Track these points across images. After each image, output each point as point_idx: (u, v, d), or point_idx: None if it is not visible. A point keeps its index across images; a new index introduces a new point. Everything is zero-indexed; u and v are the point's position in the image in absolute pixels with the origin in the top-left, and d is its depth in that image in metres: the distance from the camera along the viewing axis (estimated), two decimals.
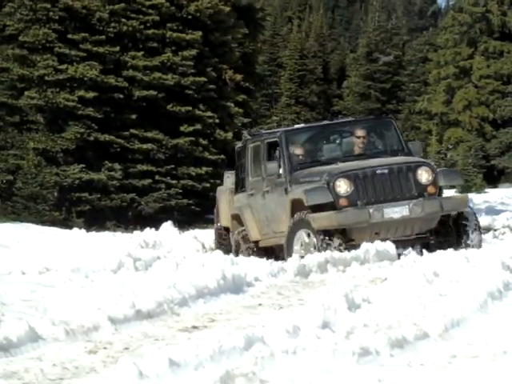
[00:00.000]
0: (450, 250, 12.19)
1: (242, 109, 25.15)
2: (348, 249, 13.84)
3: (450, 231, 14.01)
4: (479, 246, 13.58)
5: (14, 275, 10.58)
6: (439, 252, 12.28)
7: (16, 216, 19.30)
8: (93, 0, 24.47)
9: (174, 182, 23.02)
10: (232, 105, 23.87)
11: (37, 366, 5.79)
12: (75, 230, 18.33)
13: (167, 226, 17.46)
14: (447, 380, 5.30)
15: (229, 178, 18.02)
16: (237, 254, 15.07)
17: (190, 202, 23.07)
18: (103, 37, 24.09)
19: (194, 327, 7.20)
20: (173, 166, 23.36)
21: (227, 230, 17.03)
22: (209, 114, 23.09)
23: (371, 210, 12.77)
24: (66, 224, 19.25)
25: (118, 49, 23.99)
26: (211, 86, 23.12)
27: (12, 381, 5.41)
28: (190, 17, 21.77)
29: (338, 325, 6.65)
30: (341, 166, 14.03)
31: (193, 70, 22.42)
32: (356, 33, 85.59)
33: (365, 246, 12.93)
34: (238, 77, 24.22)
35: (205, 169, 23.06)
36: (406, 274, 9.22)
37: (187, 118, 23.12)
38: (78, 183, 22.30)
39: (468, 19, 54.14)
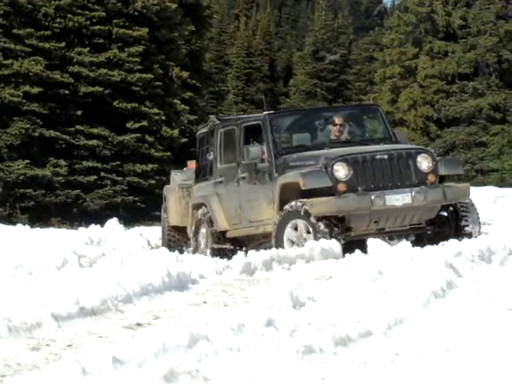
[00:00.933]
0: (399, 248, 11.46)
1: (188, 106, 25.15)
2: (346, 239, 13.33)
3: (447, 222, 13.49)
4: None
5: None
6: (383, 250, 11.46)
7: None
8: None
9: (119, 178, 22.96)
10: (178, 102, 23.83)
11: None
12: (19, 226, 18.26)
13: (112, 223, 17.40)
14: (390, 377, 5.33)
15: (177, 176, 17.61)
16: (195, 246, 15.00)
17: (136, 198, 23.01)
18: (49, 32, 23.95)
19: (138, 324, 7.18)
20: (118, 162, 23.28)
21: (177, 229, 16.66)
22: (155, 110, 23.04)
23: (373, 197, 12.18)
24: (9, 220, 19.16)
25: (63, 44, 23.88)
26: (157, 83, 23.08)
27: None
28: (136, 13, 21.74)
29: (282, 323, 6.66)
30: (336, 150, 13.51)
31: (139, 67, 22.39)
32: (303, 31, 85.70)
33: (310, 243, 12.87)
34: (185, 74, 24.21)
35: (151, 166, 22.98)
36: (350, 272, 9.21)
37: (133, 115, 23.06)
38: (22, 179, 22.18)
39: (413, 19, 54.40)
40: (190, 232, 15.77)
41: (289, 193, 12.69)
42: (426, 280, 8.29)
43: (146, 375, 5.18)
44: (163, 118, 23.46)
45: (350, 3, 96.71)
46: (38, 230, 18.06)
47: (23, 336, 6.56)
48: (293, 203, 12.52)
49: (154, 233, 17.69)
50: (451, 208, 13.00)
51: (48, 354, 6.04)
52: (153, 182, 23.27)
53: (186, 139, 24.41)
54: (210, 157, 15.41)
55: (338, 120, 14.31)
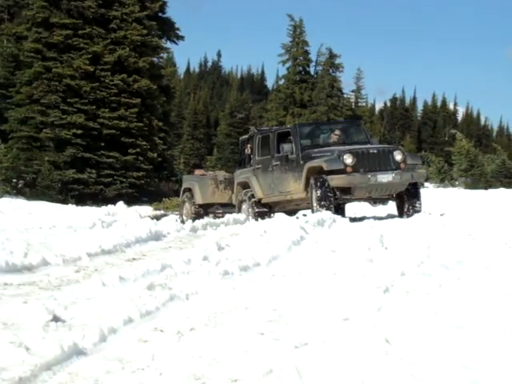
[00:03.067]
0: (277, 218, 11.18)
1: (161, 141, 24.79)
2: (346, 202, 13.21)
3: (404, 196, 12.51)
4: (420, 208, 12.43)
5: (34, 229, 10.40)
6: (267, 219, 11.71)
7: (39, 197, 18.91)
8: None
9: (124, 179, 22.58)
10: (156, 138, 23.46)
11: (47, 278, 5.78)
12: (69, 205, 18.11)
13: (120, 204, 17.19)
14: (268, 287, 5.39)
15: (196, 176, 16.50)
16: (239, 210, 14.19)
17: (133, 190, 22.69)
18: (86, 100, 23.27)
19: (134, 259, 7.18)
20: (123, 171, 22.87)
21: (200, 206, 15.52)
22: (144, 143, 22.64)
23: (369, 176, 11.84)
24: (64, 202, 18.84)
25: (94, 107, 23.36)
26: (145, 128, 22.73)
27: (33, 286, 5.37)
28: (134, 91, 21.33)
29: (211, 258, 6.70)
30: (341, 147, 12.83)
31: (135, 119, 21.99)
32: (224, 101, 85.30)
33: (227, 216, 12.83)
34: (160, 123, 23.93)
35: (141, 173, 22.61)
36: (248, 231, 9.22)
37: (132, 145, 22.63)
38: (71, 180, 21.73)
39: (283, 96, 54.09)
40: (236, 203, 14.67)
41: (312, 173, 12.24)
42: (288, 235, 8.32)
43: (138, 286, 5.21)
44: (148, 147, 23.07)
45: (249, 85, 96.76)
46: (79, 207, 17.88)
47: (71, 264, 6.55)
48: (319, 177, 12.15)
49: (143, 210, 17.53)
50: (408, 187, 12.36)
51: (84, 274, 6.06)
52: (142, 181, 22.95)
53: (160, 159, 24.07)
54: (248, 152, 14.61)
55: (336, 130, 13.81)
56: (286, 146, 13.36)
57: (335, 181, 11.89)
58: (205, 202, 15.57)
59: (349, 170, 11.88)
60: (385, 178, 11.87)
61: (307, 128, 15.16)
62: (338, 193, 12.18)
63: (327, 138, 14.00)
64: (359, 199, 13.38)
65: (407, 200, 12.35)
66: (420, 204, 12.38)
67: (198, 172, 17.42)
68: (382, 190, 12.31)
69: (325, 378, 3.01)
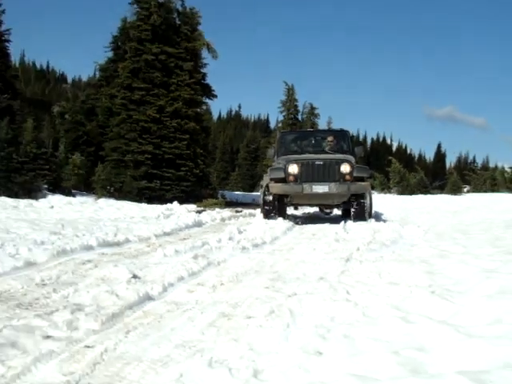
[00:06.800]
0: (276, 217, 9.34)
1: (202, 162, 23.54)
2: (296, 207, 10.54)
3: (350, 204, 9.31)
4: (370, 215, 9.52)
5: (120, 219, 10.38)
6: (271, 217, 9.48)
7: (123, 198, 18.82)
8: None
9: (177, 187, 21.97)
10: (199, 160, 22.22)
11: (129, 250, 5.72)
12: (143, 204, 17.98)
13: (175, 203, 17.06)
14: (271, 258, 5.33)
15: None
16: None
17: (183, 194, 22.06)
18: (153, 136, 22.87)
19: (184, 239, 7.08)
20: (177, 182, 22.10)
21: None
22: (191, 164, 21.63)
23: (305, 185, 9.04)
24: (139, 201, 18.71)
25: (159, 140, 22.80)
26: (191, 154, 21.70)
27: (120, 255, 5.33)
28: (185, 130, 20.97)
29: (234, 238, 6.64)
30: (301, 156, 9.78)
31: (185, 149, 21.39)
32: (242, 136, 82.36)
33: (244, 211, 12.54)
34: (201, 151, 22.79)
35: (189, 183, 21.20)
36: (256, 222, 9.05)
37: (183, 165, 21.44)
38: (144, 187, 21.22)
39: None
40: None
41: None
42: (284, 225, 8.28)
43: (186, 256, 5.14)
44: (193, 166, 21.54)
45: (256, 126, 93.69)
46: (149, 205, 17.78)
47: (144, 242, 6.48)
48: (265, 184, 9.78)
49: (189, 207, 17.33)
50: (354, 196, 9.23)
51: (152, 248, 5.96)
52: (189, 189, 21.99)
53: (201, 174, 22.73)
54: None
55: (329, 137, 10.48)
56: (269, 152, 10.88)
57: (273, 189, 9.32)
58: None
59: (291, 179, 9.25)
60: (320, 188, 9.11)
61: (291, 135, 11.59)
62: (285, 199, 9.60)
63: (316, 144, 10.70)
64: (302, 204, 10.64)
65: (355, 209, 9.32)
66: (364, 211, 9.30)
67: None
68: (319, 199, 9.54)
69: (307, 316, 3.01)
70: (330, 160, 9.25)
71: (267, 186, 9.48)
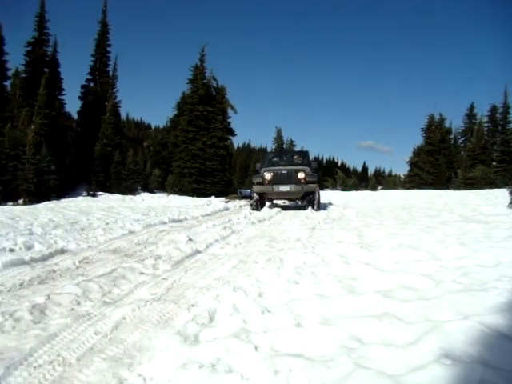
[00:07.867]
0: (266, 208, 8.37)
1: (228, 173, 21.56)
2: (271, 202, 9.33)
3: (307, 199, 8.49)
4: (318, 209, 8.40)
5: (182, 207, 9.85)
6: (265, 209, 8.28)
7: (183, 194, 18.47)
8: None
9: (214, 188, 21.14)
10: (227, 173, 21.04)
11: (186, 224, 5.47)
12: (194, 197, 16.85)
13: (213, 197, 16.65)
14: (269, 229, 5.14)
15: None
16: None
17: (217, 192, 21.00)
18: (197, 164, 19.29)
19: (218, 217, 6.77)
20: (214, 184, 21.30)
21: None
22: (221, 174, 20.33)
23: (274, 186, 8.26)
24: (192, 196, 18.01)
25: (202, 160, 19.27)
26: (222, 169, 20.41)
27: (181, 227, 5.07)
28: (218, 154, 20.17)
29: (247, 217, 6.43)
30: (271, 168, 8.86)
31: (219, 165, 20.59)
32: (251, 159, 74.68)
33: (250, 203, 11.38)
34: (228, 167, 21.17)
35: (220, 185, 20.70)
36: (254, 214, 8.41)
37: (217, 175, 20.11)
38: (194, 188, 18.99)
39: None
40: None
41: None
42: (274, 211, 7.85)
43: (219, 227, 4.98)
44: (223, 175, 20.87)
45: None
46: (198, 198, 17.27)
47: (195, 219, 6.17)
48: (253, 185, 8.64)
49: (221, 199, 16.54)
50: (308, 193, 8.38)
51: (200, 223, 5.58)
52: (221, 189, 21.12)
53: (227, 179, 20.39)
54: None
55: (296, 155, 9.53)
56: (258, 165, 9.80)
57: (255, 188, 8.56)
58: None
59: (266, 182, 8.52)
60: (284, 188, 8.31)
61: (271, 155, 10.52)
62: (264, 195, 8.76)
63: (287, 160, 9.74)
64: (278, 199, 9.50)
65: (308, 201, 8.39)
66: (315, 204, 8.48)
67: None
68: (284, 195, 8.68)
69: (290, 261, 2.98)
70: (291, 170, 8.67)
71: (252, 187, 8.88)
